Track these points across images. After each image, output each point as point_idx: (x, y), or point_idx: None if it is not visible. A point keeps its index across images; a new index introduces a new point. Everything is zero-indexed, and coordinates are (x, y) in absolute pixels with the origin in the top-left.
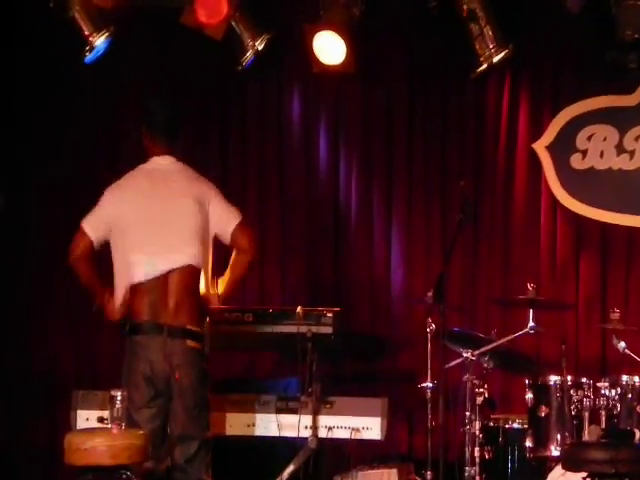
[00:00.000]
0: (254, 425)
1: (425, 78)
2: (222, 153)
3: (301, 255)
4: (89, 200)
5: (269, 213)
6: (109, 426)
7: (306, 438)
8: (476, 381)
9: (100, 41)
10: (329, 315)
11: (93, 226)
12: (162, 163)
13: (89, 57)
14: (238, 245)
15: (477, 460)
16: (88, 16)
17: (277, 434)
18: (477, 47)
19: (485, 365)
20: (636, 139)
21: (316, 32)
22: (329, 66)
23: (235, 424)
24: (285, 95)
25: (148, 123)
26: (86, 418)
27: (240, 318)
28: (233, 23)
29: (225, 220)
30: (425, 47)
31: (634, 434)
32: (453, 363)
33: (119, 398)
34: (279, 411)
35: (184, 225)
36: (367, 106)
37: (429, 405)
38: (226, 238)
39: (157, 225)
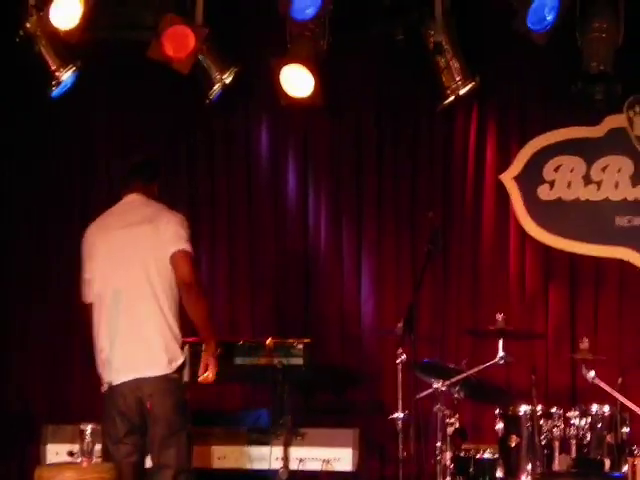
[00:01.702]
0: (224, 457)
1: (393, 110)
2: (190, 186)
3: (270, 286)
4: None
5: (238, 245)
6: (79, 460)
7: (277, 470)
8: (447, 411)
9: (67, 75)
10: (299, 346)
11: None
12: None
13: (56, 91)
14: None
15: None
16: (54, 51)
17: (248, 466)
18: (444, 79)
19: (456, 395)
20: (603, 170)
21: (283, 65)
22: (297, 99)
23: (205, 457)
24: (253, 128)
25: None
26: (56, 452)
27: None
28: (200, 57)
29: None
30: (393, 79)
31: (604, 463)
32: (424, 394)
33: (89, 432)
34: (250, 443)
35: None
36: (336, 138)
37: (400, 436)
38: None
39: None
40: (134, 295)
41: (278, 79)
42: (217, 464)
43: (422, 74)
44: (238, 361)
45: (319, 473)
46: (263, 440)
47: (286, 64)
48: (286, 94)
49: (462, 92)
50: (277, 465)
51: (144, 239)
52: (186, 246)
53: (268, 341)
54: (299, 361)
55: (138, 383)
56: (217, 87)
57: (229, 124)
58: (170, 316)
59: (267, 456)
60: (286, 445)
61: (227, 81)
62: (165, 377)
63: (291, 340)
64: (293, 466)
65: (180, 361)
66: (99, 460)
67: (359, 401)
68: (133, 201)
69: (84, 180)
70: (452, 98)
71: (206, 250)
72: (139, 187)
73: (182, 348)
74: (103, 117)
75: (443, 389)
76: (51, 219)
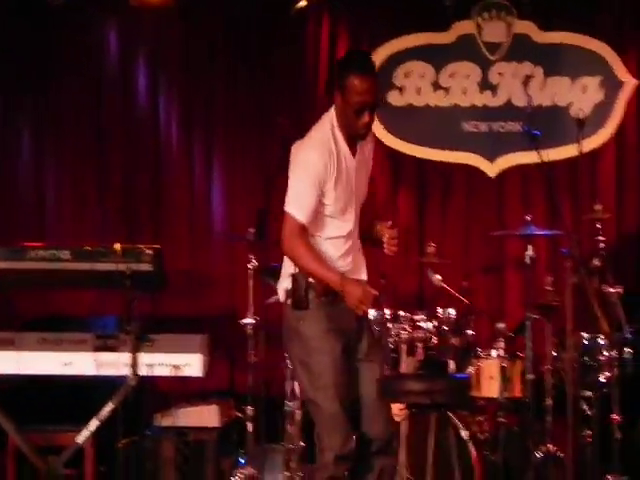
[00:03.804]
0: (71, 364)
1: (244, 15)
2: (40, 90)
3: (120, 193)
4: None
5: (87, 150)
6: None
7: (125, 376)
8: None
9: None
10: (148, 252)
11: None
12: None
13: None
14: None
15: (297, 395)
16: None
17: (95, 373)
18: None
19: None
20: (451, 76)
21: None
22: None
23: (51, 363)
24: (103, 29)
25: None
26: None
27: (56, 255)
28: None
29: None
30: None
31: (449, 365)
32: (274, 299)
33: None
34: (97, 349)
35: None
36: (187, 42)
37: (250, 341)
38: None
39: None
40: None
41: None
42: (64, 370)
43: None
44: (86, 267)
45: (168, 379)
46: (111, 346)
47: None
48: None
49: None
50: (125, 371)
51: None
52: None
53: (116, 246)
54: (148, 267)
55: None
56: None
57: (79, 26)
58: None
59: (115, 362)
60: (134, 351)
61: None
62: None
63: (140, 246)
64: (142, 372)
65: None
66: None
67: (209, 307)
68: None
69: None
70: (304, 2)
71: (53, 154)
72: None
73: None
74: None
75: None
76: None
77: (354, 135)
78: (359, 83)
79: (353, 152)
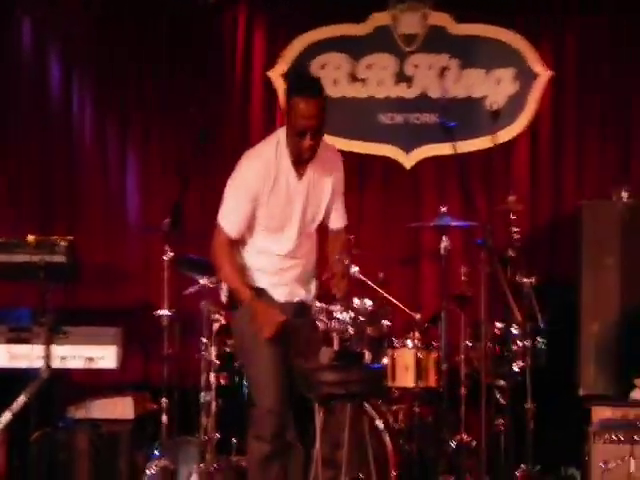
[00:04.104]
0: None
1: (159, 5)
2: None
3: (35, 184)
4: None
5: (0, 143)
6: None
7: (38, 368)
8: (213, 308)
9: None
10: (62, 244)
11: None
12: None
13: None
14: None
15: (213, 386)
16: None
17: (8, 365)
18: None
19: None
20: (368, 67)
21: None
22: None
23: None
24: (15, 21)
25: None
26: None
27: None
28: None
29: None
30: None
31: (364, 355)
32: (190, 290)
33: None
34: (10, 341)
35: None
36: (100, 34)
37: (165, 333)
38: None
39: None
40: None
41: None
42: None
43: None
44: None
45: (82, 371)
46: (24, 338)
47: None
48: None
49: None
50: (39, 364)
51: None
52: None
53: (29, 238)
54: (62, 258)
55: None
56: None
57: None
58: None
59: (28, 354)
60: (48, 343)
61: None
62: None
63: (54, 237)
64: (55, 364)
65: None
66: None
67: (124, 299)
68: None
69: None
70: None
71: None
72: None
73: None
74: None
75: (210, 285)
76: None
77: (297, 157)
78: (303, 106)
79: (300, 173)
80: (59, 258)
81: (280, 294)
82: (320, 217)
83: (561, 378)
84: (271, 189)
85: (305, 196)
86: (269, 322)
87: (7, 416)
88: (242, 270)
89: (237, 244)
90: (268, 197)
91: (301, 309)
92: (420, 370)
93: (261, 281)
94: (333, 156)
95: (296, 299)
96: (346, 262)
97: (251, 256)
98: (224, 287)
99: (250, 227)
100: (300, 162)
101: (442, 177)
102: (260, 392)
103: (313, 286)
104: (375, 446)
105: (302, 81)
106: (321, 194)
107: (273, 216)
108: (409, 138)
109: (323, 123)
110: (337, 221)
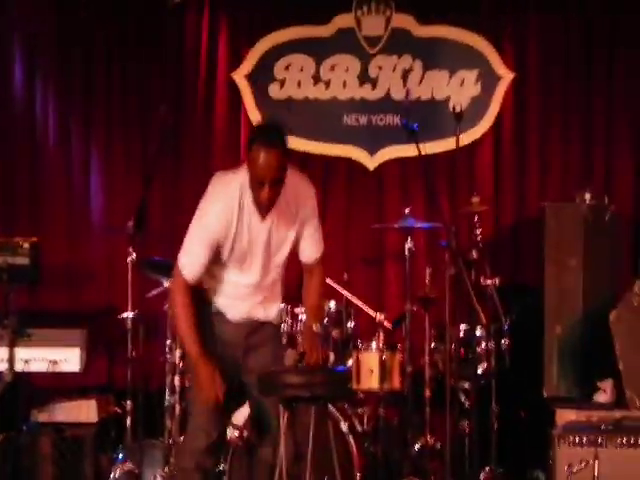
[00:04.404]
0: None
1: (123, 6)
2: None
3: None
4: None
5: None
6: None
7: (1, 372)
8: None
9: None
10: (25, 245)
11: None
12: None
13: None
14: None
15: (177, 389)
16: None
17: None
18: None
19: None
20: (332, 69)
21: None
22: None
23: None
24: None
25: None
26: None
27: None
28: None
29: None
30: None
31: (329, 357)
32: (154, 292)
33: None
34: None
35: None
36: (63, 33)
37: (129, 335)
38: None
39: None
40: None
41: None
42: None
43: None
44: None
45: (45, 374)
46: None
47: None
48: None
49: None
50: (2, 367)
51: None
52: None
53: None
54: (25, 260)
55: None
56: None
57: None
58: None
59: None
60: (11, 346)
61: None
62: None
63: (16, 239)
64: (18, 368)
65: None
66: None
67: (88, 301)
68: None
69: None
70: None
71: None
72: None
73: None
74: None
75: None
76: None
77: (257, 204)
78: (263, 156)
79: (263, 215)
80: (22, 260)
81: (235, 315)
82: (286, 251)
83: (525, 380)
84: (234, 233)
85: (268, 235)
86: (208, 390)
87: None
88: (196, 325)
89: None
90: (232, 240)
91: (258, 326)
92: (385, 372)
93: (218, 302)
94: (302, 188)
95: (254, 318)
96: (317, 330)
97: (213, 280)
98: None
99: (214, 260)
100: (260, 209)
101: (406, 178)
102: (195, 411)
103: (274, 310)
104: (340, 449)
105: (265, 131)
106: (286, 231)
107: (236, 255)
108: (373, 140)
109: (283, 174)
110: (308, 252)
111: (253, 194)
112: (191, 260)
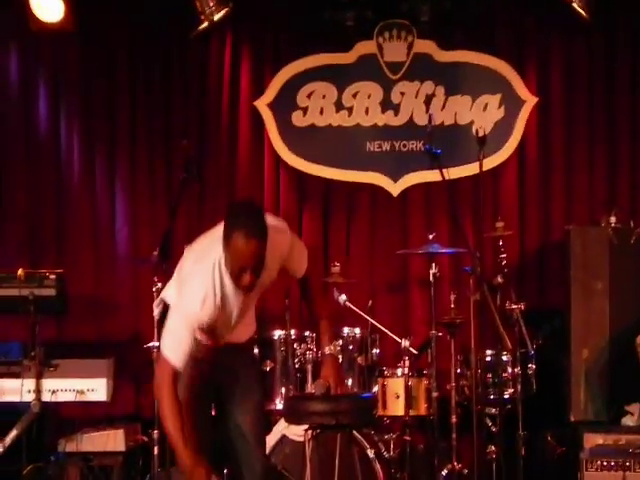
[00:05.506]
0: None
1: (146, 37)
2: None
3: (22, 218)
4: None
5: None
6: None
7: (29, 403)
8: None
9: None
10: (51, 277)
11: None
12: None
13: None
14: None
15: None
16: None
17: None
18: (197, 5)
19: None
20: (354, 96)
21: None
22: (47, 24)
23: None
24: (3, 53)
25: None
26: None
27: None
28: None
29: None
30: (145, 6)
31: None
32: None
33: None
34: (1, 376)
35: None
36: (88, 66)
37: (155, 364)
38: None
39: None
40: None
41: (28, 3)
42: None
43: (175, 0)
44: None
45: (73, 404)
46: (14, 372)
47: None
48: (36, 18)
49: (216, 18)
50: (29, 398)
51: None
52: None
53: (19, 272)
54: (51, 292)
55: None
56: None
57: None
58: None
59: (18, 389)
60: (38, 377)
61: None
62: None
63: (43, 271)
64: (45, 398)
65: None
66: None
67: (114, 331)
68: None
69: None
70: (206, 24)
71: None
72: None
73: None
74: None
75: None
76: None
77: (238, 287)
78: (244, 246)
79: (246, 292)
80: (48, 291)
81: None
82: (265, 286)
83: (552, 404)
84: (218, 311)
85: (243, 299)
86: None
87: None
88: (184, 422)
89: None
90: (215, 318)
91: (233, 349)
92: (410, 398)
93: None
94: (276, 240)
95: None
96: (332, 352)
97: None
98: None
99: None
100: (242, 290)
101: (429, 204)
102: None
103: (249, 333)
104: (366, 475)
105: (248, 219)
106: (264, 283)
107: (218, 323)
108: (396, 166)
109: (264, 258)
110: (297, 267)
111: (233, 279)
112: (176, 348)
